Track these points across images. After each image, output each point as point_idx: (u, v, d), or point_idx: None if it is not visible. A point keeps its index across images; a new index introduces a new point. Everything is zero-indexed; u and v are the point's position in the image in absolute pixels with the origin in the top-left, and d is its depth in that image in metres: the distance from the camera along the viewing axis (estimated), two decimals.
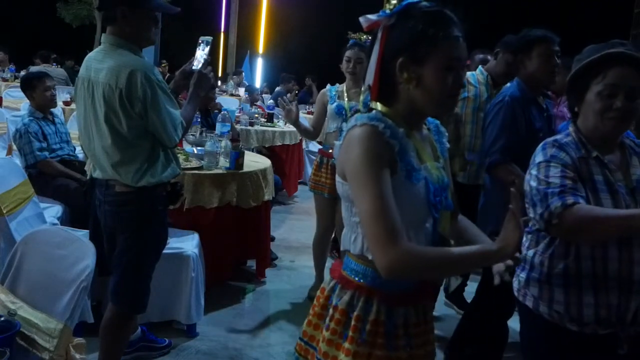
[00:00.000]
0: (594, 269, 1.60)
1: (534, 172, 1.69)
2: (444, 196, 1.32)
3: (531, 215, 1.68)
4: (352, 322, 1.30)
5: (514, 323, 3.59)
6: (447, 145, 1.47)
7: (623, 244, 1.59)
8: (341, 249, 1.41)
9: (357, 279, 1.32)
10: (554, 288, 1.67)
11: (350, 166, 1.24)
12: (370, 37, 3.04)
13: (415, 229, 1.29)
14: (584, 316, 1.62)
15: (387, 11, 1.30)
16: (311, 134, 3.64)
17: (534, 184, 1.67)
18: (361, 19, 1.32)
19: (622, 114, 1.61)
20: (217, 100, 6.04)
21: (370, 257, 1.28)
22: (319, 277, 3.73)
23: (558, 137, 1.74)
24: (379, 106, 1.31)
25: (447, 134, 1.49)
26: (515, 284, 1.84)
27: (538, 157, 1.70)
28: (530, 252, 1.76)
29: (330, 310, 1.35)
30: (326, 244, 3.75)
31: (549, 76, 2.56)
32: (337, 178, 1.32)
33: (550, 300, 1.68)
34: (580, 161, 1.65)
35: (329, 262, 3.83)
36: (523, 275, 1.78)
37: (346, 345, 1.29)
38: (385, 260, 1.15)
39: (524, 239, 1.83)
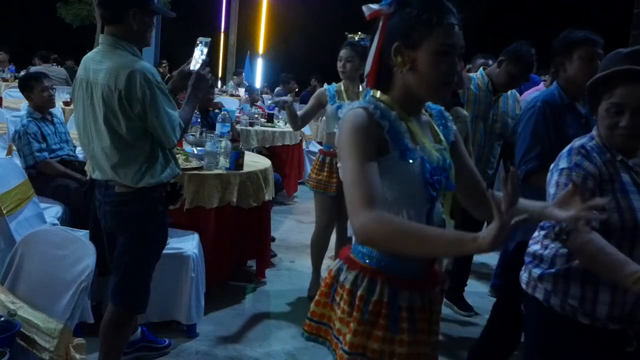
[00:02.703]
0: None
1: (555, 177, 1.69)
2: (443, 176, 1.34)
3: None
4: (356, 302, 1.34)
5: None
6: (454, 128, 1.48)
7: None
8: (348, 234, 1.43)
9: (362, 260, 1.36)
10: (570, 283, 1.68)
11: (339, 145, 1.28)
12: (364, 36, 3.10)
13: (414, 208, 1.31)
14: (597, 312, 1.63)
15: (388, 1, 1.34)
16: (296, 123, 3.50)
17: (552, 190, 1.67)
18: (364, 8, 1.36)
19: (628, 132, 1.62)
20: (218, 100, 6.05)
21: None
22: (316, 276, 3.72)
23: (584, 141, 1.74)
24: (377, 94, 1.36)
25: (450, 117, 1.51)
26: (524, 277, 1.85)
27: (562, 162, 1.70)
28: (547, 251, 1.76)
29: (338, 289, 1.39)
30: (324, 242, 3.72)
31: (589, 80, 2.45)
32: (338, 163, 1.34)
33: (564, 294, 1.69)
34: (607, 164, 1.67)
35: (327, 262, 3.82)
36: (537, 270, 1.78)
37: (351, 324, 1.34)
38: (356, 224, 1.17)
39: (536, 233, 1.85)
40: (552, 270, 1.72)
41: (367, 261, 1.36)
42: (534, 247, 1.83)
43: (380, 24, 1.34)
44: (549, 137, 2.36)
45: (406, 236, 1.13)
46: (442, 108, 1.50)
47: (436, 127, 1.43)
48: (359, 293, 1.33)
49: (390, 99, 1.34)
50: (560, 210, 1.25)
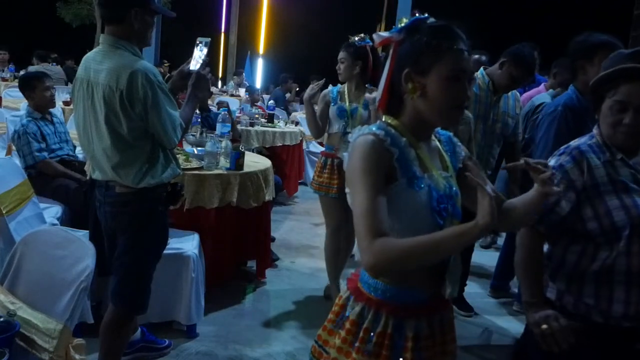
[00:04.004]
0: (629, 265, 1.61)
1: None
2: (450, 204, 1.34)
3: None
4: (361, 334, 1.33)
5: (509, 324, 3.60)
6: (462, 154, 1.48)
7: None
8: (356, 259, 1.43)
9: (368, 291, 1.36)
10: (585, 283, 1.68)
11: (349, 171, 1.29)
12: (358, 37, 3.14)
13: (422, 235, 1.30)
14: (613, 311, 1.64)
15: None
16: (318, 128, 3.52)
17: None
18: (374, 36, 1.39)
19: (631, 130, 1.63)
20: (221, 99, 6.06)
21: None
22: (335, 282, 3.57)
23: (582, 140, 1.75)
24: (388, 119, 1.37)
25: (459, 143, 1.51)
26: None
27: (552, 160, 1.73)
28: (557, 249, 1.76)
29: (343, 320, 1.39)
30: (335, 246, 3.61)
31: None
32: (346, 189, 1.35)
33: (579, 293, 1.69)
34: (606, 165, 1.68)
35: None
36: (547, 270, 1.78)
37: (353, 354, 1.33)
38: (365, 258, 1.19)
39: None
40: (566, 271, 1.72)
41: (372, 293, 1.35)
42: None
43: (391, 51, 1.35)
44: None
45: (415, 251, 1.17)
46: (451, 134, 1.51)
47: (444, 154, 1.44)
48: (364, 326, 1.34)
49: (401, 124, 1.35)
50: (537, 188, 1.38)
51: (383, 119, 1.38)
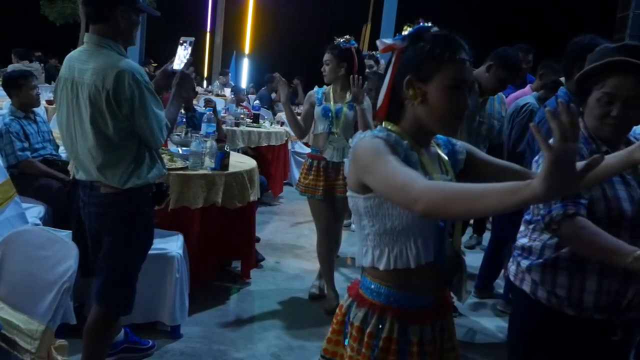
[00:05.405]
0: None
1: (534, 168, 1.74)
2: None
3: (535, 211, 1.74)
4: (365, 339, 1.34)
5: (493, 323, 3.63)
6: (463, 152, 1.48)
7: (634, 236, 1.63)
8: (356, 265, 1.44)
9: (371, 296, 1.37)
10: (558, 271, 1.70)
11: (360, 164, 1.27)
12: (343, 39, 3.17)
13: (422, 238, 1.31)
14: (585, 301, 1.66)
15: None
16: (300, 129, 3.56)
17: None
18: (377, 42, 1.40)
19: (618, 122, 1.66)
20: (208, 98, 6.04)
21: (381, 268, 1.32)
22: (330, 287, 3.60)
23: None
24: (388, 125, 1.38)
25: (458, 142, 1.52)
26: (512, 269, 1.88)
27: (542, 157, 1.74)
28: (536, 243, 1.78)
29: (349, 327, 1.39)
30: (328, 245, 3.64)
31: None
32: (348, 192, 1.36)
33: (552, 285, 1.71)
34: (593, 155, 1.69)
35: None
36: (525, 262, 1.80)
37: None
38: (411, 199, 1.11)
39: (523, 227, 1.86)
40: (541, 260, 1.74)
41: (375, 298, 1.36)
42: (522, 240, 1.85)
43: (394, 57, 1.37)
44: None
45: (464, 195, 1.07)
46: (449, 138, 1.52)
47: (444, 157, 1.45)
48: (368, 330, 1.34)
49: (401, 130, 1.36)
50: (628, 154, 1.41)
51: (383, 125, 1.39)
